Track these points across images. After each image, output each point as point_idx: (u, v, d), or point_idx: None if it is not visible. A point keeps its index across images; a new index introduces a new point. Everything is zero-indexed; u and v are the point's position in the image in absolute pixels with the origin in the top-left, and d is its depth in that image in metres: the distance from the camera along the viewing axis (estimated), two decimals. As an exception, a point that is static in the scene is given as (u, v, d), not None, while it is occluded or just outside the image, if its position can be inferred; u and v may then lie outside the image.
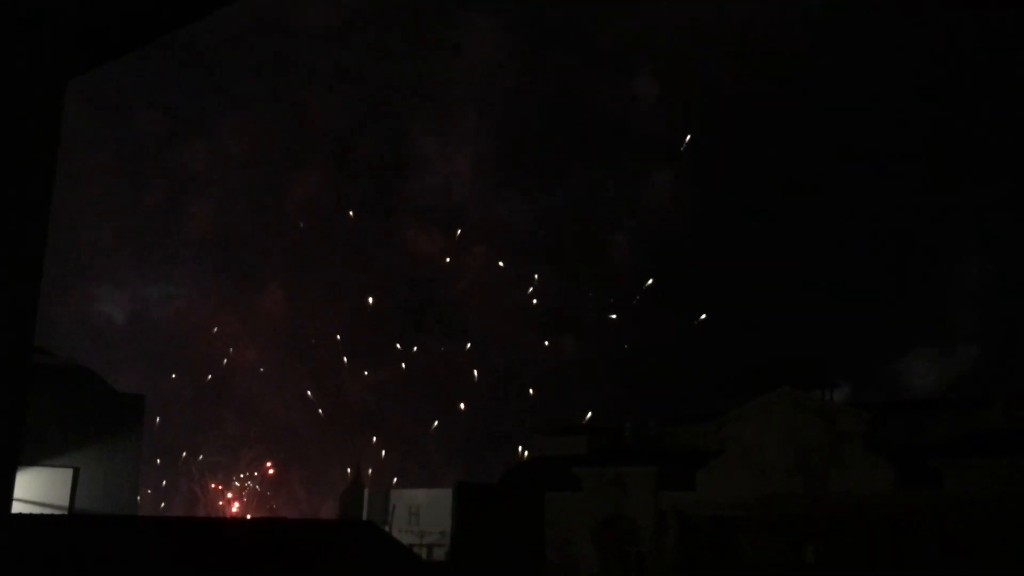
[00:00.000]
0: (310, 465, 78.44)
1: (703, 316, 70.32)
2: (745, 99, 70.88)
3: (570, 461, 39.75)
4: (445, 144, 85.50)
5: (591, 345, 75.80)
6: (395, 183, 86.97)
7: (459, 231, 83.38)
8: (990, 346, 62.45)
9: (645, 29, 76.54)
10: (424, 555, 37.61)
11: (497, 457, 72.50)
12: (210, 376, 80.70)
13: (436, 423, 76.93)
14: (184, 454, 75.53)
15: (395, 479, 60.50)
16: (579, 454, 41.33)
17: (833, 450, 33.22)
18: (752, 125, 71.18)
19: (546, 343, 77.99)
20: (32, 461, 22.48)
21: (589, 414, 63.49)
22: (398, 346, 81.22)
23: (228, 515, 68.60)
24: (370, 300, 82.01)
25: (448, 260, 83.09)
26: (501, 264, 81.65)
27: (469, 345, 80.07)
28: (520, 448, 69.71)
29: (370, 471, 60.70)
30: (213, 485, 73.75)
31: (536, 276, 79.94)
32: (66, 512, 23.21)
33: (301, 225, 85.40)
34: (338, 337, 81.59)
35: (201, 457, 76.01)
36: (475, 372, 78.37)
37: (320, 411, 79.50)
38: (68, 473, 23.97)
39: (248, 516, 68.44)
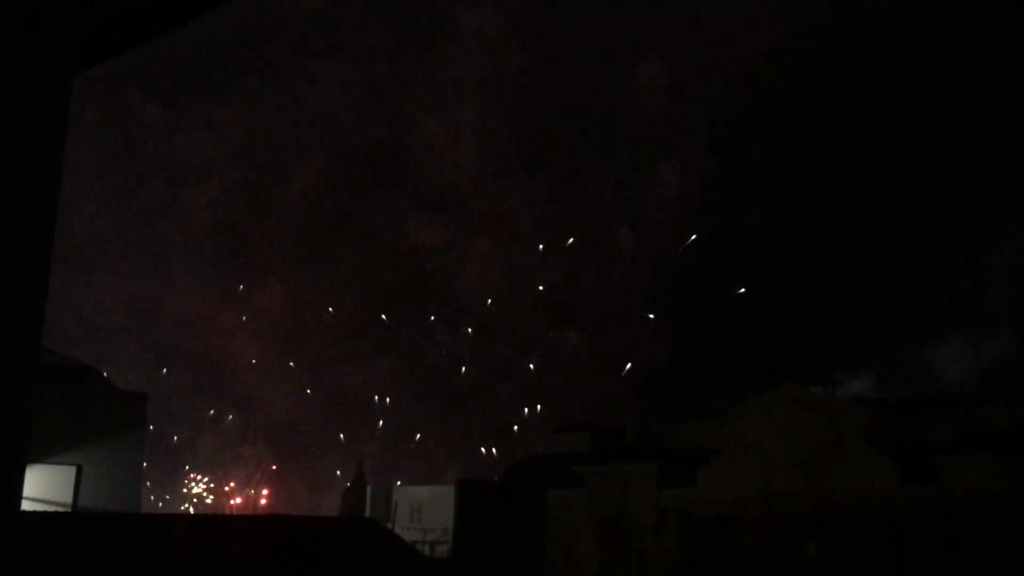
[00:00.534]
0: (309, 460, 77.90)
1: (742, 290, 69.23)
2: (755, 95, 70.30)
3: (572, 459, 39.72)
4: (447, 131, 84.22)
5: (595, 340, 75.13)
6: (396, 172, 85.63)
7: (461, 221, 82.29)
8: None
9: (653, 20, 75.78)
10: (426, 552, 37.66)
11: (498, 454, 72.36)
12: (208, 371, 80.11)
13: (437, 419, 76.49)
14: (181, 444, 75.22)
15: (398, 481, 60.31)
16: (581, 452, 41.29)
17: (834, 448, 33.20)
18: (761, 120, 70.68)
19: (550, 332, 77.17)
20: (35, 459, 22.51)
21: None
22: (397, 338, 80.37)
23: (230, 511, 68.52)
24: (365, 296, 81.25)
25: (450, 251, 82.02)
26: (504, 256, 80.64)
27: (471, 334, 79.23)
28: (522, 445, 69.64)
29: (369, 466, 60.47)
30: (212, 482, 73.48)
31: (539, 268, 78.96)
32: (69, 509, 23.26)
33: (299, 218, 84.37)
34: (337, 330, 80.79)
35: (196, 455, 75.79)
36: (477, 366, 77.75)
37: (320, 406, 78.96)
38: (71, 471, 24.02)
39: (250, 513, 68.37)
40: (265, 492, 72.48)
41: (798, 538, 33.35)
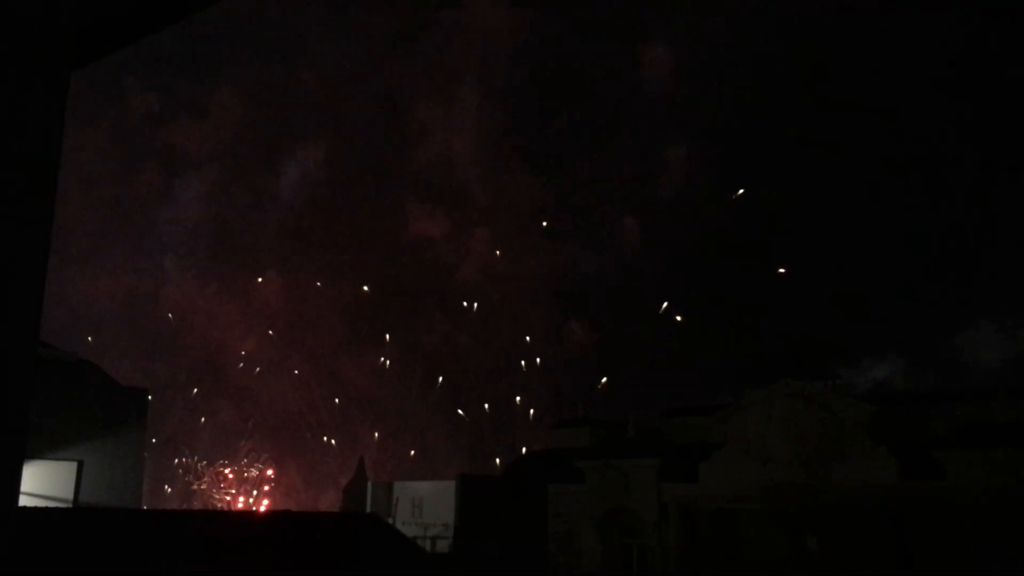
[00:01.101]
0: (308, 455, 77.60)
1: (781, 271, 68.21)
2: (767, 77, 68.83)
3: (573, 453, 39.79)
4: (446, 117, 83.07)
5: (598, 333, 74.56)
6: (395, 159, 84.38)
7: (461, 211, 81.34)
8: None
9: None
10: (427, 547, 37.71)
11: (499, 449, 72.29)
12: (204, 363, 79.71)
13: (437, 413, 76.30)
14: (175, 441, 74.97)
15: (395, 477, 60.26)
16: (582, 446, 41.36)
17: (835, 442, 33.22)
18: (773, 103, 69.26)
19: (553, 325, 76.53)
20: (36, 454, 22.55)
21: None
22: (395, 330, 79.73)
23: (228, 507, 68.56)
24: (364, 288, 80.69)
25: (451, 241, 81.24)
26: (506, 246, 79.73)
27: (472, 326, 78.76)
28: (523, 440, 69.58)
29: (369, 461, 60.34)
30: (209, 477, 73.40)
31: (542, 258, 78.06)
32: (70, 505, 23.30)
33: (297, 207, 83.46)
34: (337, 322, 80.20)
35: (193, 449, 75.61)
36: (478, 360, 77.39)
37: (318, 399, 78.66)
38: (72, 466, 24.06)
39: (248, 508, 68.45)
40: (266, 503, 72.43)
41: (799, 532, 33.39)
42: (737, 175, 72.55)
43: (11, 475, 2.13)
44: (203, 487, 72.87)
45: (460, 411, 76.05)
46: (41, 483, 22.66)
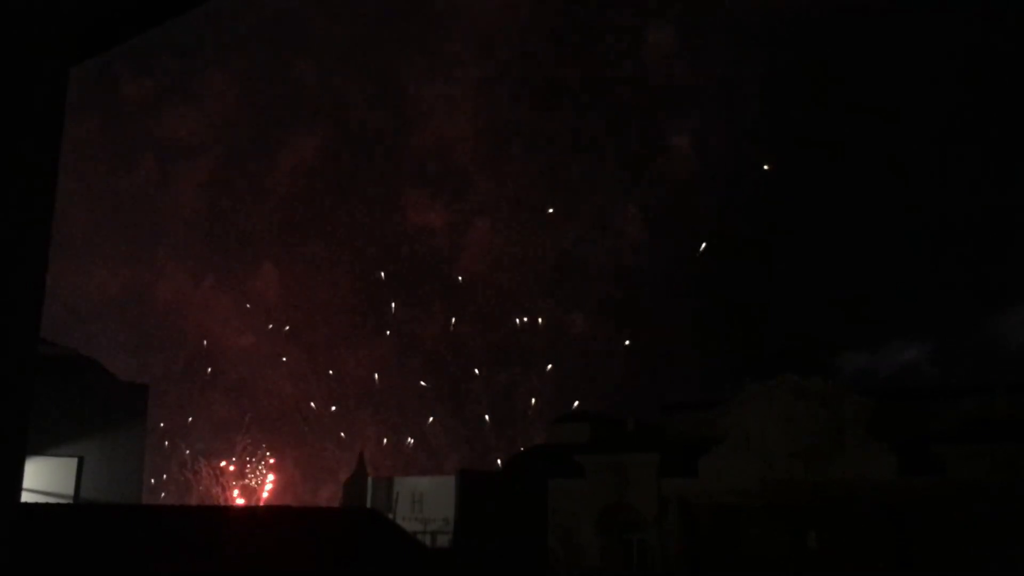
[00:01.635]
0: (305, 448, 77.26)
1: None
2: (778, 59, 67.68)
3: (573, 449, 39.82)
4: (446, 105, 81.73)
5: (598, 326, 74.12)
6: (393, 146, 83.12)
7: (461, 199, 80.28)
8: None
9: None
10: (428, 542, 37.76)
11: (499, 444, 72.24)
12: (200, 357, 79.40)
13: (437, 408, 76.17)
14: (169, 437, 74.70)
15: (394, 472, 60.20)
16: (582, 442, 41.40)
17: (835, 437, 33.25)
18: (785, 81, 68.19)
19: (554, 318, 76.00)
20: (37, 451, 22.56)
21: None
22: (394, 321, 79.19)
23: (226, 502, 68.50)
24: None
25: (450, 231, 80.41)
26: (504, 236, 78.90)
27: (471, 321, 78.27)
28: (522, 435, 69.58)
29: (368, 455, 60.26)
30: (206, 471, 73.21)
31: (543, 248, 77.30)
32: (71, 501, 23.32)
33: (293, 196, 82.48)
34: (334, 313, 79.71)
35: (190, 443, 75.42)
36: (477, 353, 77.15)
37: (316, 393, 78.43)
38: (72, 462, 24.08)
39: (248, 503, 68.40)
40: (266, 496, 72.36)
41: (799, 527, 33.43)
42: (745, 163, 71.68)
43: (13, 472, 2.13)
44: (200, 481, 72.77)
45: (460, 406, 75.99)
46: (42, 479, 22.69)
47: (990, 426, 30.90)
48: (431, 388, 77.21)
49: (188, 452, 74.07)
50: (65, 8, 2.46)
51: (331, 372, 78.84)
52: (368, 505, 42.41)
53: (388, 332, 79.56)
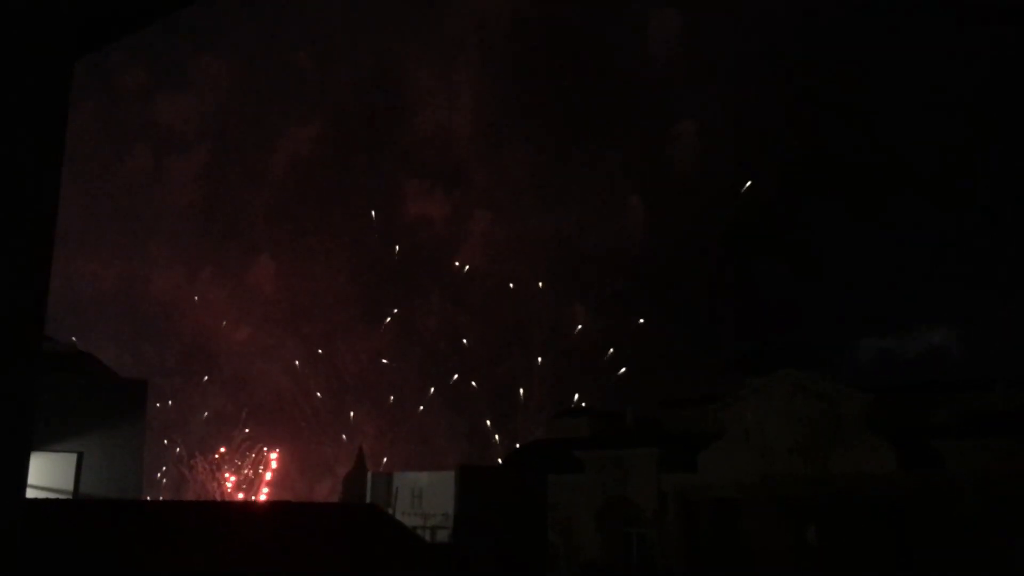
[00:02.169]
0: (302, 443, 76.99)
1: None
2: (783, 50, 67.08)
3: (572, 444, 39.85)
4: (446, 94, 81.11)
5: (598, 319, 73.76)
6: (391, 136, 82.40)
7: (461, 190, 79.52)
8: None
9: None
10: (427, 537, 37.78)
11: (499, 439, 72.14)
12: (196, 350, 78.92)
13: (437, 403, 75.92)
14: (166, 433, 74.36)
15: (393, 467, 60.02)
16: (581, 437, 41.42)
17: (834, 432, 33.26)
18: (796, 74, 67.54)
19: (555, 310, 75.48)
20: (36, 446, 22.48)
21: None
22: (392, 312, 78.66)
23: (223, 496, 68.43)
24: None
25: (449, 222, 79.72)
26: (504, 227, 78.32)
27: (471, 313, 77.78)
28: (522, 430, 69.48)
29: (367, 449, 60.04)
30: (203, 465, 73.07)
31: (543, 239, 76.57)
32: (70, 497, 23.31)
33: (290, 187, 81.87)
34: (332, 305, 79.16)
35: (189, 437, 75.14)
36: (477, 347, 76.71)
37: (313, 385, 78.02)
38: (72, 458, 24.04)
39: (246, 497, 68.32)
40: (265, 491, 72.20)
41: (798, 522, 33.47)
42: (748, 156, 71.22)
43: (18, 467, 2.11)
44: (197, 475, 72.66)
45: (460, 400, 75.82)
46: (42, 475, 22.65)
47: (989, 420, 30.92)
48: (429, 382, 76.97)
49: (178, 449, 73.85)
50: (68, 3, 2.44)
51: (328, 365, 78.48)
52: (368, 500, 42.42)
53: (388, 320, 78.82)
